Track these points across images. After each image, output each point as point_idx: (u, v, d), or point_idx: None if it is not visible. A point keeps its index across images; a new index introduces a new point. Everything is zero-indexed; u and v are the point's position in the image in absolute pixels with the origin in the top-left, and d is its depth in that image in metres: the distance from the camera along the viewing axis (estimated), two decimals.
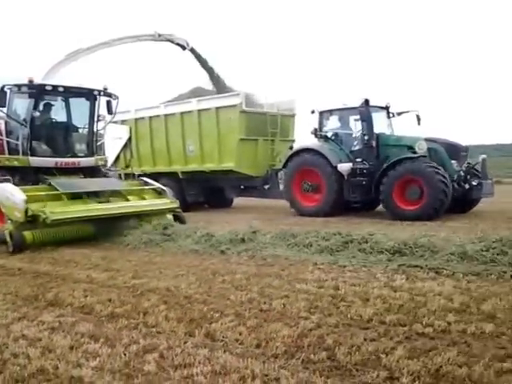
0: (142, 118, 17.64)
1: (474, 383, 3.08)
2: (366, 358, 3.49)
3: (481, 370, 3.21)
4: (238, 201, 18.84)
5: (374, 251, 6.93)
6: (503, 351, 3.54)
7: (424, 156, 12.24)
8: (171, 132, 17.11)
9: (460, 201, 12.44)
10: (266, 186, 16.55)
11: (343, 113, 14.02)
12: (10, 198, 8.92)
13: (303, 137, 17.54)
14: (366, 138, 13.01)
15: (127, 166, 16.25)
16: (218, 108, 15.85)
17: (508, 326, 4.02)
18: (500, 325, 4.07)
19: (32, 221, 8.86)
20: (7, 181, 9.57)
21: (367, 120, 13.03)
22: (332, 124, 14.28)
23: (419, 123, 14.17)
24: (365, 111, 12.99)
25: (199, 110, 16.31)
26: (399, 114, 14.16)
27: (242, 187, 17.13)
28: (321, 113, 14.22)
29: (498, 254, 6.15)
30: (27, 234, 8.80)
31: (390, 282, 5.58)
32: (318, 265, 6.58)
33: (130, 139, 17.64)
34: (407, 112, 14.21)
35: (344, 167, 12.99)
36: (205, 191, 17.34)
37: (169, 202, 10.89)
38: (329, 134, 13.93)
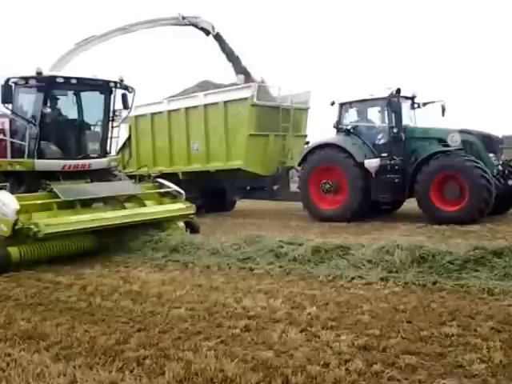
0: (143, 114, 16.65)
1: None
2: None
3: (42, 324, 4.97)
4: (239, 204, 17.95)
5: (161, 249, 8.22)
6: (89, 319, 5.09)
7: (460, 149, 11.59)
8: (175, 129, 16.21)
9: (500, 199, 11.60)
10: (275, 187, 15.77)
11: (368, 104, 13.29)
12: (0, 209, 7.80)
13: (316, 132, 16.78)
14: (394, 130, 12.28)
15: (124, 167, 15.34)
16: (226, 102, 15.02)
17: (119, 304, 5.54)
18: (117, 301, 5.69)
19: (19, 234, 7.76)
20: (2, 188, 8.54)
21: (397, 111, 12.32)
22: (353, 116, 13.56)
23: (443, 114, 13.51)
24: (396, 102, 12.29)
25: (206, 105, 15.46)
26: (424, 104, 13.51)
27: (247, 188, 16.35)
28: (341, 104, 13.48)
29: (236, 250, 7.64)
30: (13, 251, 7.60)
31: (133, 273, 7.06)
32: (107, 262, 7.90)
33: (129, 138, 16.73)
34: (433, 102, 13.55)
35: (372, 163, 12.25)
36: (204, 194, 16.36)
37: (184, 207, 9.99)
38: (357, 127, 13.14)
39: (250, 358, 3.90)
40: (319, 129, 17.69)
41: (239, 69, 16.68)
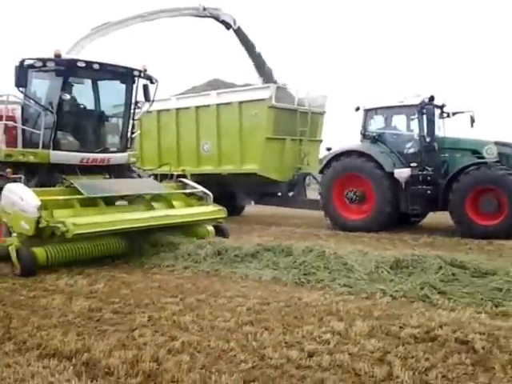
0: (149, 111, 15.79)
1: None
2: None
3: None
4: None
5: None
6: None
7: (497, 162, 11.13)
8: (183, 128, 15.58)
9: None
10: (291, 193, 15.23)
11: (395, 111, 12.78)
12: (17, 204, 7.14)
13: (331, 137, 16.24)
14: (427, 140, 11.76)
15: None
16: (241, 102, 14.42)
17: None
18: None
19: (41, 234, 7.21)
20: (17, 180, 7.78)
21: (431, 120, 11.81)
22: (379, 123, 13.02)
23: (473, 125, 13.08)
24: (430, 109, 11.80)
25: (218, 104, 14.83)
26: (454, 114, 13.03)
27: (261, 193, 15.69)
28: (367, 110, 12.95)
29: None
30: (39, 252, 7.10)
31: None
32: None
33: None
34: (462, 112, 13.09)
35: (403, 173, 11.70)
36: (215, 197, 15.66)
37: (216, 209, 9.41)
38: (384, 135, 12.62)
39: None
40: (333, 134, 17.26)
41: (260, 66, 16.07)
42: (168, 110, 15.76)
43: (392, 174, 11.83)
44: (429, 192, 11.57)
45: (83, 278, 6.71)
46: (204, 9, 15.10)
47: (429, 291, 5.68)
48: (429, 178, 11.67)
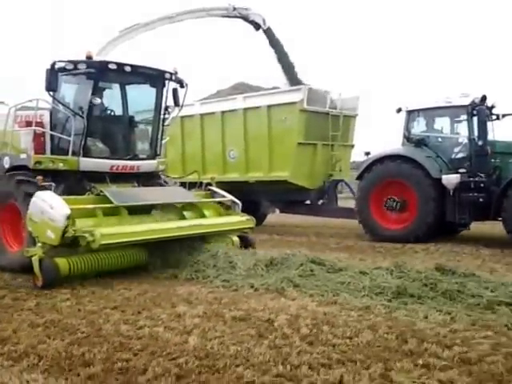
0: (172, 117, 15.28)
1: None
2: None
3: None
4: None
5: None
6: None
7: None
8: (208, 134, 15.06)
9: None
10: (320, 201, 14.56)
11: (441, 112, 12.14)
12: (46, 212, 6.79)
13: (363, 140, 15.60)
14: (479, 143, 11.06)
15: None
16: (270, 106, 13.81)
17: None
18: None
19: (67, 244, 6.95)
20: (47, 188, 7.34)
21: (484, 122, 11.12)
22: (421, 125, 12.38)
23: None
24: (483, 110, 11.11)
25: (245, 109, 14.26)
26: (504, 116, 12.32)
27: (288, 201, 15.04)
28: (409, 112, 12.31)
29: None
30: (62, 263, 6.78)
31: None
32: None
33: None
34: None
35: (452, 180, 11.02)
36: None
37: (244, 219, 9.01)
38: (428, 138, 11.95)
39: None
40: (364, 137, 16.62)
41: (288, 68, 15.51)
42: (192, 115, 15.20)
43: (438, 180, 11.19)
44: (481, 200, 10.86)
45: (10, 273, 7.48)
46: (234, 9, 14.73)
47: (286, 284, 6.52)
48: (481, 184, 10.96)
